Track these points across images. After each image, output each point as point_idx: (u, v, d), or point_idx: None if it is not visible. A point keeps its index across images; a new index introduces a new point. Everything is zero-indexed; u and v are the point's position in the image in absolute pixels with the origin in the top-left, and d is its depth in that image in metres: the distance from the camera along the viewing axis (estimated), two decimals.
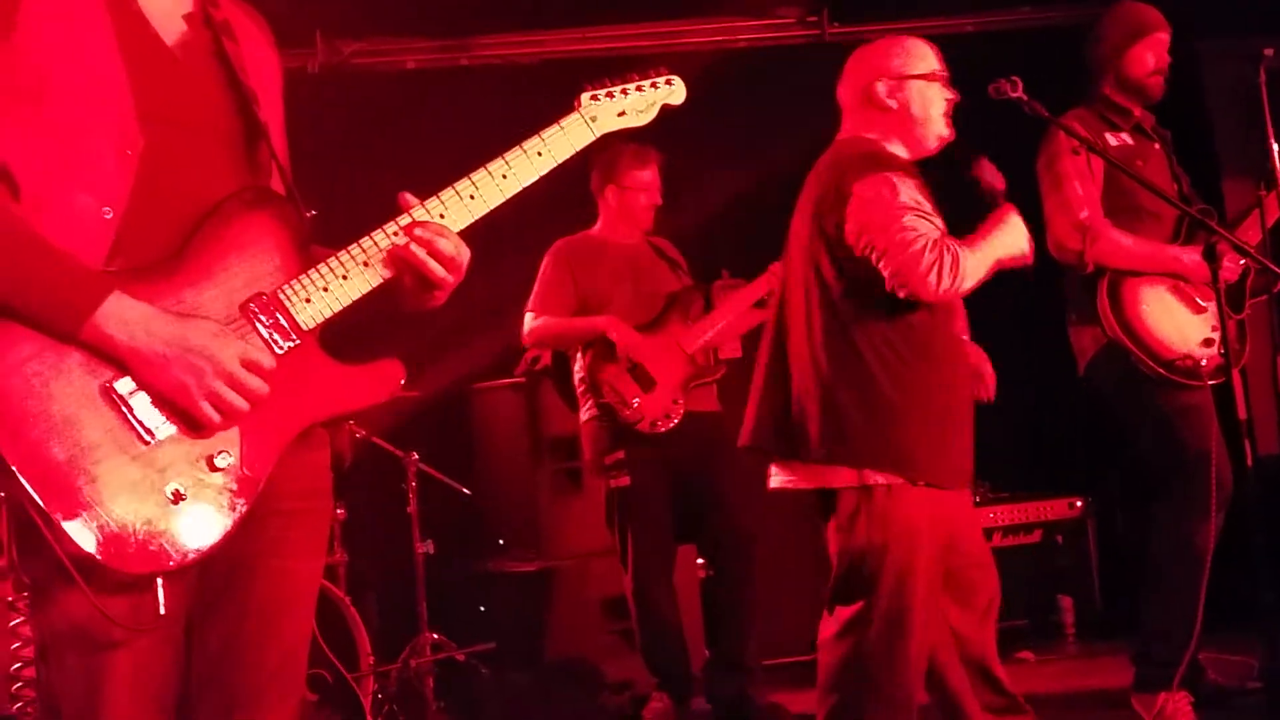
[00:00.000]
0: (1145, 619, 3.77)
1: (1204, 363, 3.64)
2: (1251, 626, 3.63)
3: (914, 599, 2.99)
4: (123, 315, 1.69)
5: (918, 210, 2.98)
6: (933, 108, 3.15)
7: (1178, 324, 3.70)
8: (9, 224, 1.70)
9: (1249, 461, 3.43)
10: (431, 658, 4.74)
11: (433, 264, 1.84)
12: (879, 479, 2.98)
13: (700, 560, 4.98)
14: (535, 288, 4.56)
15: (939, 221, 3.02)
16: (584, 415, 4.48)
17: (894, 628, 2.98)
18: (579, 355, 4.49)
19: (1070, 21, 5.46)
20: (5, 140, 1.71)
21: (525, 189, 1.91)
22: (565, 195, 4.81)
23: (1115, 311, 3.70)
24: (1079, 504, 5.46)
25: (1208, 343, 3.67)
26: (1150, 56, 3.86)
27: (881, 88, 3.15)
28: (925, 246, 2.91)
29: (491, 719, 4.77)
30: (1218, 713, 3.74)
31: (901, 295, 2.95)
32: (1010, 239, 3.04)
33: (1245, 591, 3.45)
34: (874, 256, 2.97)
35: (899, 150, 3.16)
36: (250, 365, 1.74)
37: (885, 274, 2.95)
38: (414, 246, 1.84)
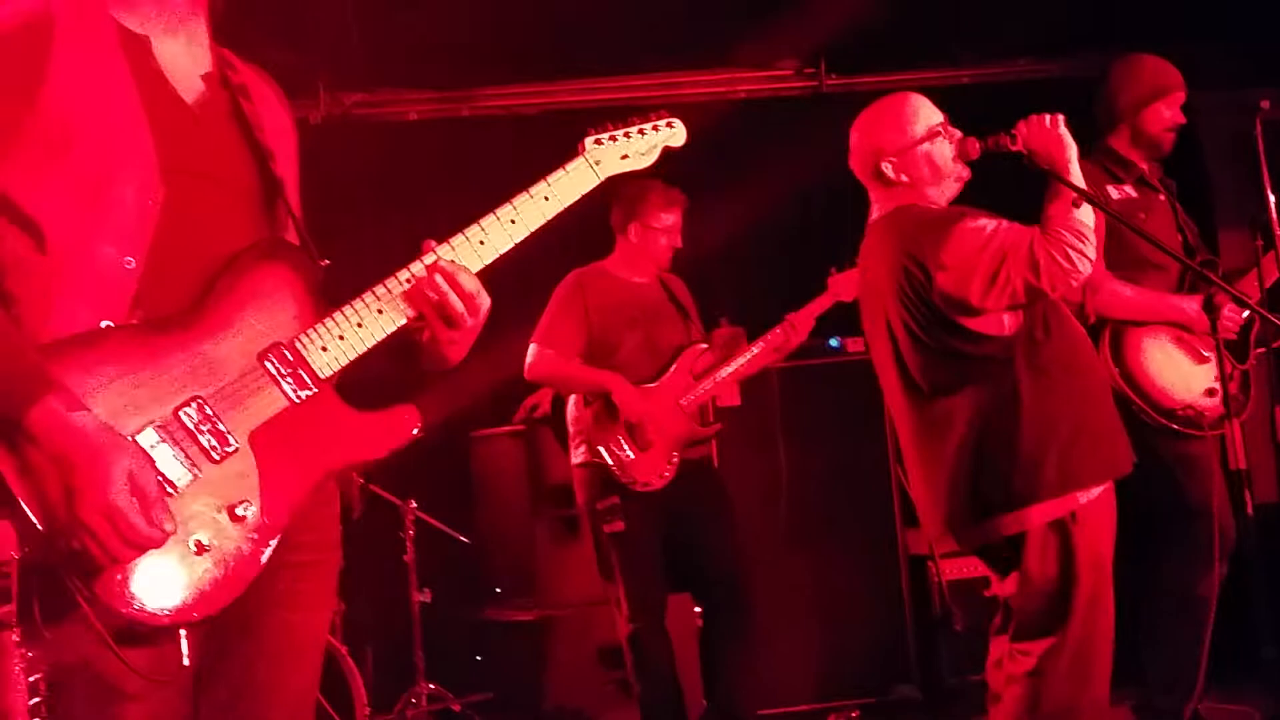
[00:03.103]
0: (1147, 670, 3.75)
1: (1206, 413, 3.65)
2: (1253, 676, 3.62)
3: (1102, 625, 3.03)
4: (44, 422, 1.63)
5: (996, 221, 3.01)
6: (942, 160, 3.16)
7: (1180, 374, 3.71)
8: None
9: (1249, 510, 3.43)
10: (428, 708, 4.70)
11: (454, 297, 1.86)
12: (1061, 510, 2.99)
13: (697, 609, 4.96)
14: (544, 318, 4.47)
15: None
16: (576, 459, 4.44)
17: (1084, 657, 3.01)
18: (573, 399, 4.46)
19: (1068, 74, 5.53)
20: (32, 192, 1.74)
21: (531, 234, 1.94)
22: (566, 237, 4.87)
23: (1118, 361, 3.71)
24: None
25: (1210, 393, 3.67)
26: (1168, 113, 3.89)
27: (888, 168, 3.17)
28: (1032, 244, 2.91)
29: None
30: None
31: (1054, 296, 2.97)
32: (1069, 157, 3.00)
33: (1246, 641, 3.44)
34: (997, 287, 2.94)
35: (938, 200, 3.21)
36: (140, 495, 1.65)
37: (1020, 290, 2.92)
38: (437, 278, 1.85)
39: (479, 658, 5.47)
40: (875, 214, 3.26)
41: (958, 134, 3.17)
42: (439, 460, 5.47)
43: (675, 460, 4.35)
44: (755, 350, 4.49)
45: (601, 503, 4.30)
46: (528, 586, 5.28)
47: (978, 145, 3.10)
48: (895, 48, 5.61)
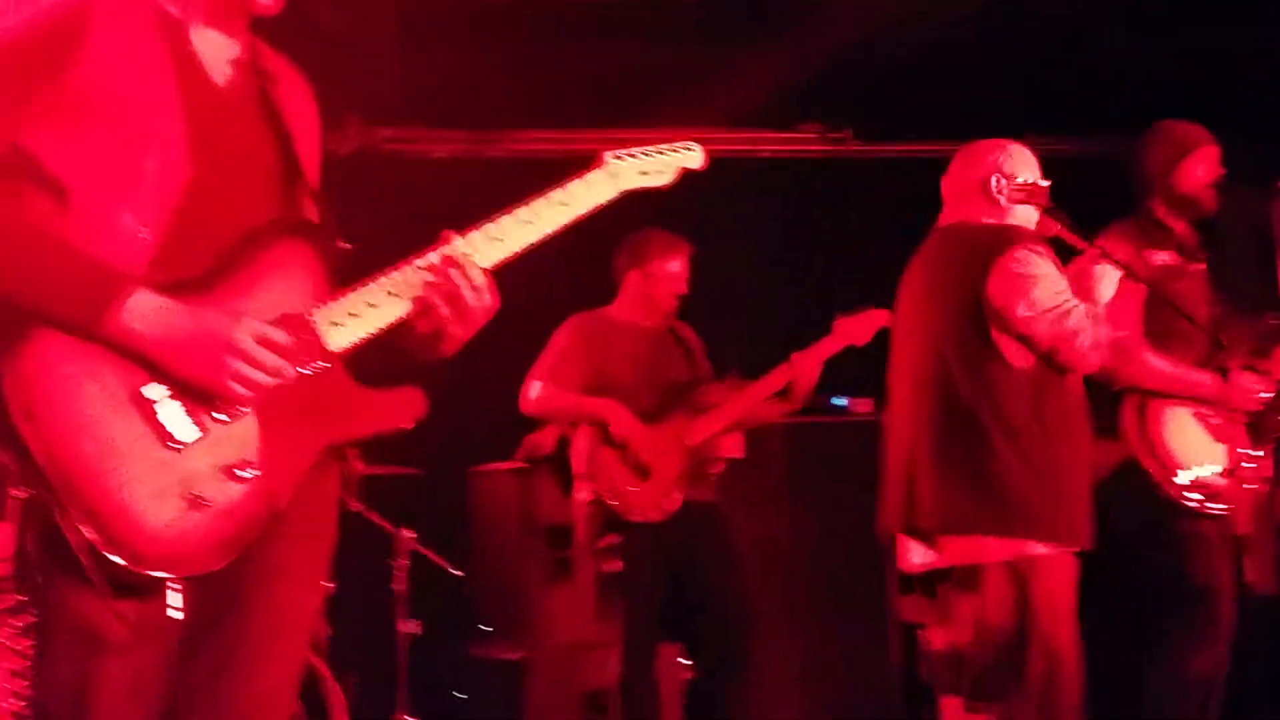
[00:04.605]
0: None
1: (1221, 492, 3.61)
2: None
3: (1065, 685, 3.08)
4: (140, 308, 1.74)
5: (1055, 279, 3.19)
6: (1026, 215, 3.34)
7: (1197, 449, 3.68)
8: (34, 228, 1.77)
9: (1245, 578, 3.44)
10: None
11: (466, 289, 1.89)
12: (1038, 549, 3.06)
13: (684, 660, 4.92)
14: (544, 356, 4.52)
15: (1066, 285, 3.22)
16: (578, 495, 4.45)
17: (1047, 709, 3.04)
18: (577, 436, 4.48)
19: (1102, 152, 5.57)
20: (59, 155, 1.79)
21: (543, 241, 1.96)
22: (571, 286, 4.92)
23: (1140, 430, 3.68)
24: None
25: (1226, 472, 3.64)
26: (1201, 169, 3.86)
27: (996, 184, 3.34)
28: (1079, 318, 3.13)
29: None
30: None
31: (1059, 362, 3.14)
32: (1108, 284, 3.34)
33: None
34: (1036, 339, 3.15)
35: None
36: (267, 343, 1.78)
37: (1042, 345, 3.13)
38: (452, 269, 1.89)
39: (462, 695, 5.42)
40: (951, 220, 3.40)
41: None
42: (436, 494, 5.48)
43: (674, 497, 4.35)
44: (758, 389, 4.50)
45: (601, 541, 4.30)
46: (516, 626, 5.25)
47: (1055, 225, 3.31)
48: (924, 116, 5.68)
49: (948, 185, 3.48)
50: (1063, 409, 3.19)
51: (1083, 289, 3.37)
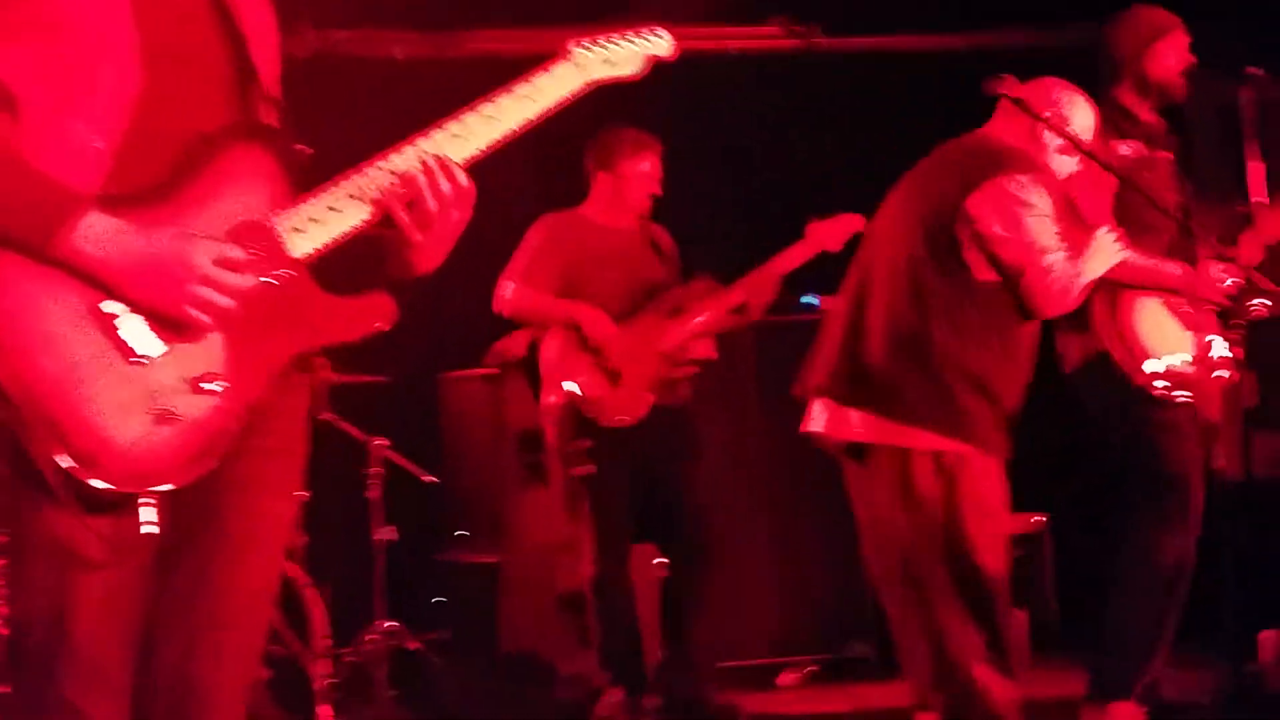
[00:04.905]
0: (1104, 631, 3.77)
1: (1190, 380, 3.65)
2: (1210, 643, 3.66)
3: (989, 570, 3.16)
4: (94, 231, 1.70)
5: (1047, 220, 3.18)
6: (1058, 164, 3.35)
7: (1168, 339, 3.71)
8: None
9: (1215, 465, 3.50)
10: (386, 644, 4.71)
11: (428, 192, 1.82)
12: (959, 447, 3.15)
13: (658, 560, 4.97)
14: (517, 257, 4.47)
15: (1058, 231, 3.21)
16: (549, 398, 4.44)
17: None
18: (548, 339, 4.46)
19: (1061, 43, 5.52)
20: (11, 64, 1.75)
21: (510, 137, 1.89)
22: (543, 184, 4.87)
23: (1109, 319, 3.70)
24: (1037, 519, 5.47)
25: (1197, 360, 3.66)
26: (1172, 56, 3.82)
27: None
28: (1054, 267, 3.15)
29: (445, 709, 4.74)
30: None
31: (1022, 301, 3.17)
32: (1102, 258, 3.27)
33: (1205, 607, 3.48)
34: (1006, 265, 3.17)
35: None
36: (226, 263, 1.75)
37: (1016, 285, 3.16)
38: (413, 169, 1.82)
39: (439, 599, 5.48)
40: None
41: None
42: (407, 401, 5.47)
43: (645, 401, 4.35)
44: (726, 297, 4.49)
45: (572, 445, 4.31)
46: (491, 530, 5.29)
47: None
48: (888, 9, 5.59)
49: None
50: (1013, 327, 3.24)
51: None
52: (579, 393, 4.33)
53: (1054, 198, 3.26)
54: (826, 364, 3.37)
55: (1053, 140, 3.32)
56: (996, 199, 3.18)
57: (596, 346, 4.33)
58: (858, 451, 3.31)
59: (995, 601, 3.17)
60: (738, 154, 5.72)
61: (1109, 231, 3.31)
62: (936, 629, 3.18)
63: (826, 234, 4.48)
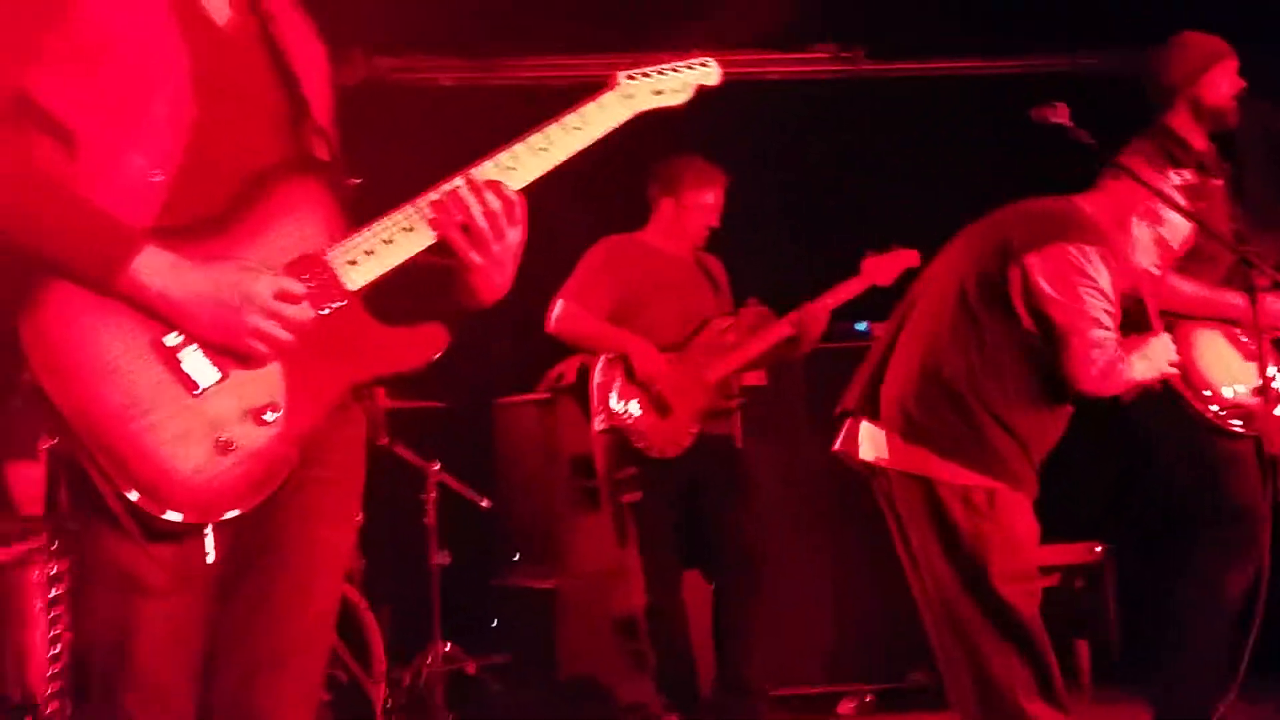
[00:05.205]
0: (1168, 665, 3.71)
1: (1255, 412, 3.59)
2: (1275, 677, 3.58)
3: (1030, 621, 3.11)
4: (154, 265, 1.74)
5: (1102, 297, 3.12)
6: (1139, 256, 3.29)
7: (1230, 370, 3.66)
8: (45, 178, 1.76)
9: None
10: (444, 667, 4.74)
11: (479, 214, 1.85)
12: (988, 483, 3.13)
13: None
14: (574, 276, 4.47)
15: (1112, 311, 3.15)
16: (598, 425, 4.46)
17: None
18: (599, 365, 4.49)
19: (1110, 68, 5.49)
20: (67, 100, 1.79)
21: (558, 167, 1.91)
22: (600, 210, 4.90)
23: None
24: (1099, 549, 5.42)
25: (1259, 390, 3.59)
26: (1225, 81, 3.79)
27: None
28: (1101, 347, 3.09)
29: None
30: None
31: (1062, 367, 3.11)
32: (1151, 364, 3.20)
33: (1272, 642, 3.42)
34: (1053, 325, 3.12)
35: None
36: (284, 296, 1.79)
37: (1059, 349, 3.11)
38: (463, 192, 1.85)
39: (495, 622, 5.51)
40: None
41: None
42: (462, 427, 5.52)
43: (695, 431, 4.36)
44: (777, 329, 4.49)
45: (620, 472, 4.32)
46: (545, 555, 5.31)
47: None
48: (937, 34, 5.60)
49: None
50: (1055, 381, 3.19)
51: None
52: (635, 412, 4.34)
53: (1116, 281, 3.18)
54: (862, 387, 3.36)
55: (1142, 233, 3.26)
56: (1058, 260, 3.13)
57: (647, 381, 4.34)
58: (885, 475, 3.30)
59: (1033, 635, 3.11)
60: (790, 179, 5.73)
61: (1165, 336, 3.27)
62: (978, 660, 3.14)
63: (880, 269, 4.49)
